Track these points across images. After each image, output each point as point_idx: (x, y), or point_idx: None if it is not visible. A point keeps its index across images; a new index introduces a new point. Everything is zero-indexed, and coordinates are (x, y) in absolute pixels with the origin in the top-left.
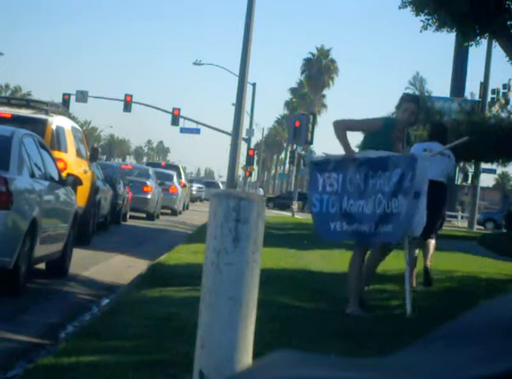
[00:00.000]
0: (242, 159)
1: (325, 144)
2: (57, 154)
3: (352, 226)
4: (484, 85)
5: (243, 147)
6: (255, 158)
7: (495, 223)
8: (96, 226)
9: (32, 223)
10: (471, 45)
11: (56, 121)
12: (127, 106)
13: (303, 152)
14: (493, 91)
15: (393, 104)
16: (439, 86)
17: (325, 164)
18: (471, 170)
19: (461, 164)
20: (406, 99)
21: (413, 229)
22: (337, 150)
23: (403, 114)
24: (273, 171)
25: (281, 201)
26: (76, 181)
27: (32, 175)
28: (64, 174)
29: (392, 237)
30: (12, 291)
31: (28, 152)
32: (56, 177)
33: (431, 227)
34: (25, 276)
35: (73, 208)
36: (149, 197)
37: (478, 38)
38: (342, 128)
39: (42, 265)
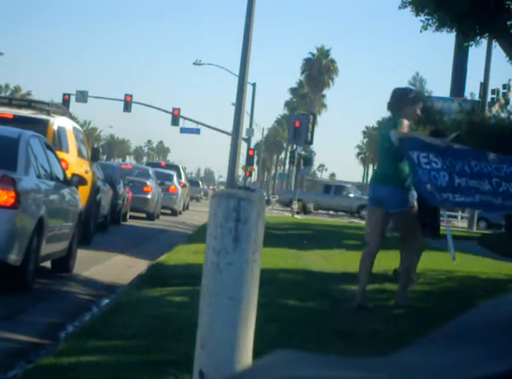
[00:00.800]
0: (242, 159)
1: (325, 144)
2: (58, 154)
3: (471, 197)
4: (484, 85)
5: (243, 147)
6: (255, 158)
7: (488, 223)
8: (96, 226)
9: (38, 222)
10: (471, 45)
11: (57, 121)
12: (127, 106)
13: (303, 152)
14: (493, 92)
15: None
16: (439, 86)
17: (415, 143)
18: None
19: None
20: (421, 98)
21: None
22: (339, 151)
23: (419, 110)
24: (273, 171)
25: None
26: (81, 181)
27: (39, 175)
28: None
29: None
30: (20, 288)
31: (35, 153)
32: (61, 177)
33: (433, 227)
34: (33, 274)
35: (78, 208)
36: (149, 197)
37: (478, 38)
38: (406, 133)
39: (42, 265)
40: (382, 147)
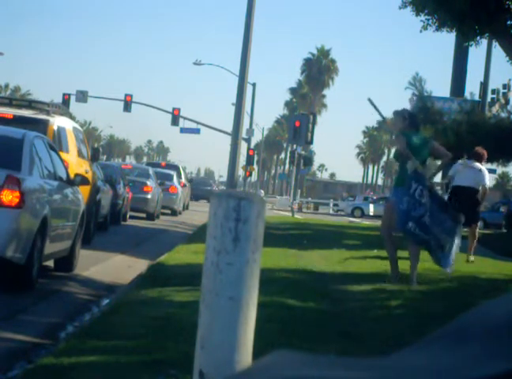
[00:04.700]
0: (242, 159)
1: (325, 144)
2: None
3: (422, 234)
4: (484, 85)
5: (243, 147)
6: (255, 158)
7: (486, 222)
8: (96, 226)
9: (42, 222)
10: (471, 45)
11: (57, 121)
12: (127, 106)
13: (303, 152)
14: (493, 92)
15: (392, 104)
16: (439, 86)
17: (421, 177)
18: None
19: None
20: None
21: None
22: (339, 151)
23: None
24: (273, 171)
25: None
26: (83, 181)
27: (42, 176)
28: None
29: (438, 260)
30: (25, 286)
31: (39, 154)
32: (64, 177)
33: (472, 216)
34: (37, 272)
35: (81, 208)
36: (149, 196)
37: (478, 38)
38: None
39: (42, 265)
40: (423, 152)
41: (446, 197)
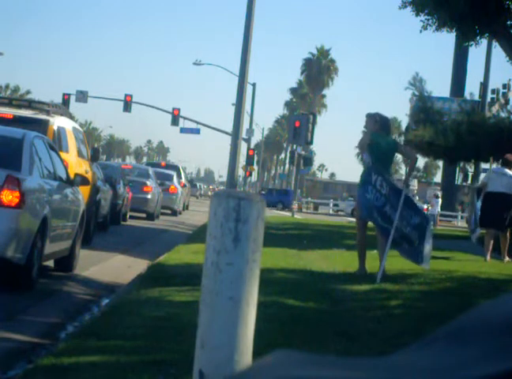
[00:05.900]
0: (242, 159)
1: (325, 144)
2: None
3: (385, 224)
4: (484, 85)
5: (243, 147)
6: (255, 158)
7: None
8: (96, 226)
9: (42, 222)
10: (471, 45)
11: (57, 121)
12: (127, 106)
13: (302, 152)
14: (493, 91)
15: (392, 104)
16: (439, 86)
17: (380, 169)
18: (471, 170)
19: (461, 164)
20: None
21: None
22: (339, 151)
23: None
24: (273, 171)
25: None
26: (83, 182)
27: (42, 176)
28: None
29: (406, 254)
30: (25, 286)
31: (39, 154)
32: (64, 177)
33: (501, 223)
34: (37, 272)
35: (81, 208)
36: (149, 197)
37: (478, 38)
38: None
39: (42, 265)
40: (390, 153)
41: (479, 204)
